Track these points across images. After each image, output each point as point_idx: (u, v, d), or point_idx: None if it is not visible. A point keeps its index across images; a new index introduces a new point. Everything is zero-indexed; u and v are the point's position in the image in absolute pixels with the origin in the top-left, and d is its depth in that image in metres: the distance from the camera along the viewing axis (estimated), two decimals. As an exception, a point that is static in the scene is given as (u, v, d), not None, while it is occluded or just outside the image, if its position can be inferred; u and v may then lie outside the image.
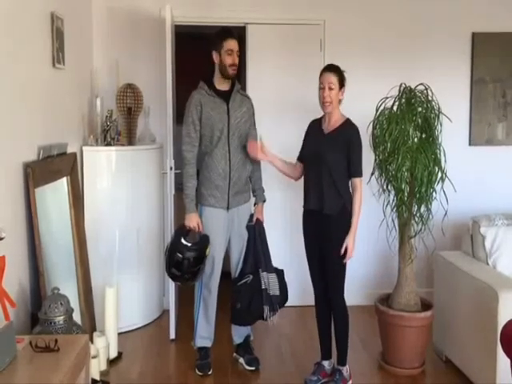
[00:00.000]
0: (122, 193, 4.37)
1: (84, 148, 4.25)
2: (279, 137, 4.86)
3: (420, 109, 3.71)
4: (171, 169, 4.22)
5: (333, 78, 3.44)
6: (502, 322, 3.00)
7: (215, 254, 3.75)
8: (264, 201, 3.94)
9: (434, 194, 3.65)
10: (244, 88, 4.58)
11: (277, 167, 3.72)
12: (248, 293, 3.73)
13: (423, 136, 3.72)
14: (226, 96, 3.73)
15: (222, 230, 3.77)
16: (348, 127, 3.47)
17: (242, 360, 3.93)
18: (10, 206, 2.94)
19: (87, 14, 4.61)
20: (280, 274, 3.85)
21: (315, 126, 3.63)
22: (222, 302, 3.94)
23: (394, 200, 3.74)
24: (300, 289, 4.56)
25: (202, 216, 3.75)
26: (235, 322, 3.86)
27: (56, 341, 2.34)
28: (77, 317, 3.30)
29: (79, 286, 3.81)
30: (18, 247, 2.99)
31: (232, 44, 3.65)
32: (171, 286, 4.30)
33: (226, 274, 3.93)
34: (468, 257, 3.92)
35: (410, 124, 3.67)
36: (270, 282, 3.77)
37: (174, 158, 4.23)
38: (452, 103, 4.21)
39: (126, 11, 4.74)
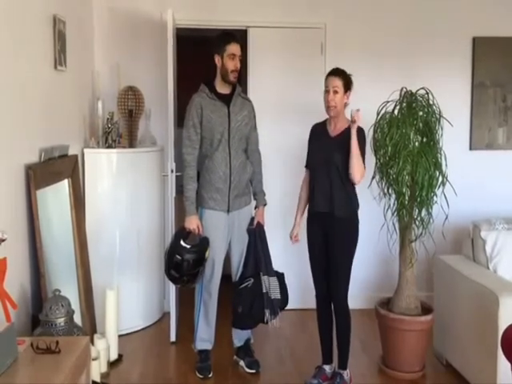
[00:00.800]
0: (123, 195, 4.37)
1: (85, 150, 4.26)
2: (280, 139, 4.89)
3: (421, 113, 3.71)
4: (172, 171, 4.22)
5: (338, 82, 3.44)
6: (502, 326, 3.00)
7: (215, 256, 3.75)
8: (265, 204, 3.94)
9: (434, 197, 3.65)
10: (245, 91, 4.58)
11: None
12: (249, 296, 3.73)
13: (424, 140, 3.73)
14: (226, 99, 3.74)
15: (223, 232, 3.77)
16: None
17: (242, 363, 3.92)
18: (12, 208, 2.94)
19: (89, 16, 4.63)
20: (281, 277, 3.85)
21: (319, 130, 3.63)
22: (222, 304, 3.94)
23: (394, 204, 3.74)
24: (300, 292, 4.57)
25: (203, 219, 3.75)
26: (237, 325, 3.86)
27: (57, 342, 2.34)
28: (77, 319, 3.29)
29: (80, 288, 3.81)
30: (19, 249, 3.00)
31: (235, 48, 3.65)
32: (172, 288, 4.30)
33: (226, 276, 3.94)
34: (468, 261, 3.92)
35: (411, 128, 3.68)
36: (270, 285, 3.77)
37: (175, 161, 4.23)
38: (453, 107, 4.22)
39: (128, 14, 4.75)
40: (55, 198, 3.65)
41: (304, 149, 3.76)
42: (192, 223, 3.69)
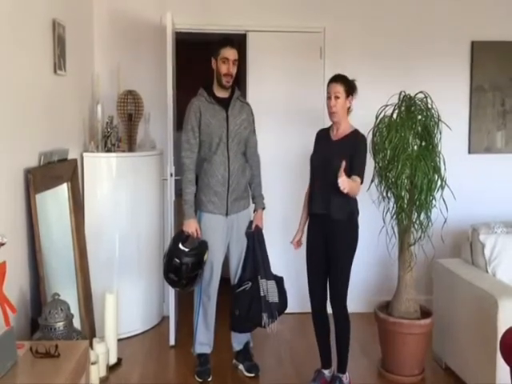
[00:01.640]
0: (123, 199, 4.38)
1: (84, 154, 4.26)
2: (279, 143, 4.90)
3: (420, 117, 3.72)
4: (171, 175, 4.22)
5: (339, 88, 3.45)
6: (501, 329, 3.00)
7: (214, 260, 3.75)
8: (263, 208, 3.94)
9: (433, 201, 3.65)
10: (244, 95, 4.59)
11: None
12: (247, 300, 3.73)
13: (423, 144, 3.73)
14: (225, 103, 3.75)
15: (221, 236, 3.78)
16: (356, 135, 3.48)
17: (241, 366, 3.92)
18: (11, 212, 2.94)
19: (89, 21, 4.64)
20: (279, 281, 3.85)
21: (323, 136, 3.64)
22: (221, 308, 3.94)
23: (393, 207, 3.75)
24: (299, 296, 4.56)
25: (201, 222, 3.76)
26: (234, 328, 3.86)
27: (56, 346, 2.34)
28: (76, 323, 3.30)
29: (79, 292, 3.81)
30: (18, 253, 3.00)
31: (228, 52, 3.66)
32: (171, 292, 4.30)
33: (225, 280, 3.94)
34: (467, 264, 3.92)
35: (410, 132, 3.69)
36: (269, 289, 3.77)
37: (174, 165, 4.23)
38: (451, 111, 4.23)
39: (127, 18, 4.76)
40: (54, 201, 3.65)
41: (304, 152, 3.77)
42: (190, 226, 3.69)
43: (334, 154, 3.43)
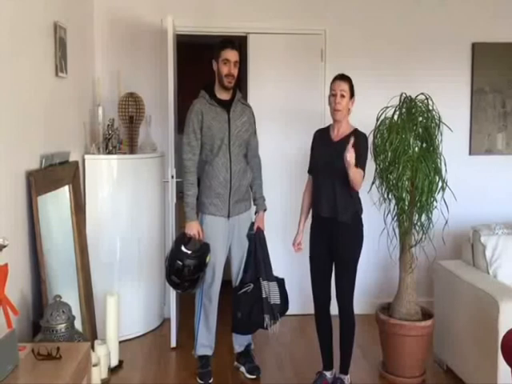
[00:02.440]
0: (124, 201, 4.38)
1: (86, 156, 4.27)
2: (280, 145, 4.90)
3: (420, 118, 3.72)
4: (172, 177, 4.22)
5: (345, 86, 3.44)
6: (502, 331, 3.00)
7: (216, 262, 3.75)
8: (265, 209, 3.94)
9: (434, 203, 3.66)
10: (245, 97, 4.60)
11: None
12: (249, 302, 3.74)
13: (424, 145, 3.74)
14: (226, 105, 3.75)
15: (223, 238, 3.78)
16: (356, 135, 3.44)
17: (242, 368, 3.93)
18: (13, 214, 2.95)
19: (90, 23, 4.64)
20: (281, 282, 3.86)
21: (322, 136, 3.63)
22: (222, 310, 3.94)
23: (394, 209, 3.75)
24: (301, 297, 4.56)
25: (203, 224, 3.76)
26: (236, 330, 3.86)
27: (58, 348, 2.35)
28: (78, 325, 3.29)
29: (80, 294, 3.82)
30: (20, 255, 3.00)
31: (229, 54, 3.66)
32: (172, 294, 4.30)
33: (226, 282, 3.94)
34: (468, 266, 3.93)
35: (411, 133, 3.69)
36: (270, 290, 3.77)
37: (176, 167, 4.24)
38: (452, 113, 4.23)
39: (128, 21, 4.76)
40: (56, 204, 3.66)
41: (305, 154, 3.77)
42: (192, 229, 3.70)
43: (336, 154, 3.41)
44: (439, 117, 3.72)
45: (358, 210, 3.52)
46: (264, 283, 3.76)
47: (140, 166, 4.48)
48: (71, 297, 3.48)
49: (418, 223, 3.70)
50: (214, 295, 3.83)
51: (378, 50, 4.94)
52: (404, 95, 3.78)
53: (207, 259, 3.66)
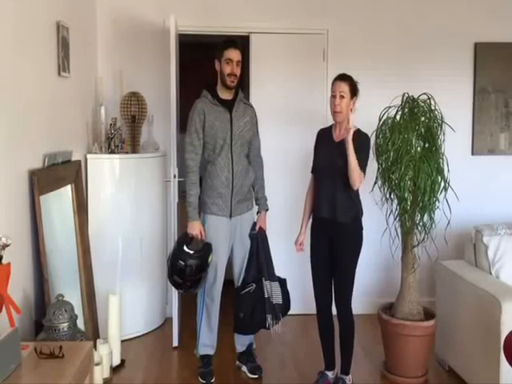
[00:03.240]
0: (126, 200, 4.39)
1: (88, 156, 4.27)
2: (282, 145, 4.90)
3: (423, 118, 3.72)
4: (175, 177, 4.23)
5: (344, 87, 3.42)
6: (504, 331, 3.01)
7: (218, 262, 3.75)
8: (267, 209, 3.94)
9: (436, 203, 3.65)
10: (247, 96, 4.60)
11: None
12: (251, 302, 3.74)
13: (426, 145, 3.73)
14: (229, 105, 3.75)
15: (225, 238, 3.78)
16: (358, 134, 3.43)
17: (244, 368, 3.93)
18: (15, 213, 2.95)
19: (92, 23, 4.65)
20: (283, 282, 3.86)
21: (324, 136, 3.62)
22: (224, 309, 3.95)
23: (396, 209, 3.75)
24: (302, 297, 4.56)
25: (205, 224, 3.76)
26: (238, 330, 3.87)
27: (60, 347, 2.35)
28: (80, 324, 3.30)
29: (83, 294, 3.82)
30: (22, 254, 3.01)
31: (232, 54, 3.66)
32: (174, 293, 4.30)
33: (228, 282, 3.94)
34: (471, 266, 3.92)
35: (413, 133, 3.69)
36: (272, 290, 3.77)
37: (178, 166, 4.24)
38: (455, 113, 4.21)
39: (131, 20, 4.77)
40: (58, 203, 3.66)
41: (307, 154, 3.77)
42: (195, 229, 3.70)
43: (337, 155, 3.42)
44: (441, 117, 3.72)
45: (358, 211, 3.51)
46: (266, 283, 3.77)
47: (142, 166, 4.48)
48: (73, 296, 3.49)
49: (420, 223, 3.69)
50: (216, 295, 3.83)
51: (380, 49, 4.94)
52: (406, 95, 3.78)
53: (209, 259, 3.67)
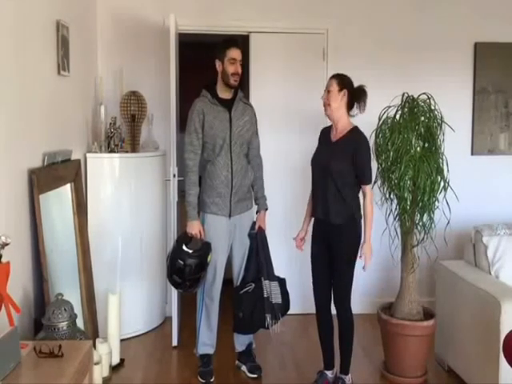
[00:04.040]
0: (125, 200, 4.39)
1: (88, 155, 4.27)
2: (281, 145, 4.90)
3: (423, 118, 3.72)
4: (174, 176, 4.23)
5: (331, 82, 3.49)
6: (504, 331, 3.01)
7: (217, 261, 3.75)
8: (266, 209, 3.94)
9: (436, 203, 3.65)
10: (247, 96, 4.60)
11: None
12: (250, 301, 3.74)
13: (426, 145, 3.73)
14: (228, 104, 3.75)
15: (224, 237, 3.78)
16: (355, 135, 3.46)
17: (244, 367, 3.93)
18: (15, 212, 2.95)
19: (92, 22, 4.65)
20: (282, 282, 3.86)
21: (324, 135, 3.63)
22: (224, 309, 3.95)
23: (396, 209, 3.75)
24: (302, 297, 4.56)
25: (205, 223, 3.76)
26: (238, 330, 3.87)
27: (60, 346, 2.34)
28: (80, 323, 3.30)
29: (82, 293, 3.82)
30: (22, 253, 3.01)
31: (235, 53, 3.67)
32: (174, 293, 4.30)
33: (228, 281, 3.94)
34: (470, 266, 3.92)
35: (413, 133, 3.69)
36: (272, 290, 3.77)
37: (177, 166, 4.24)
38: (454, 113, 4.22)
39: (131, 19, 4.77)
40: (58, 202, 3.66)
41: (307, 154, 3.77)
42: (194, 228, 3.70)
43: (332, 157, 3.43)
44: (441, 116, 3.72)
45: (353, 213, 3.47)
46: (265, 283, 3.77)
47: (142, 165, 4.48)
48: (73, 295, 3.48)
49: (420, 223, 3.69)
50: (215, 294, 3.83)
51: (379, 49, 4.94)
52: (406, 95, 3.78)
53: (209, 258, 3.67)
